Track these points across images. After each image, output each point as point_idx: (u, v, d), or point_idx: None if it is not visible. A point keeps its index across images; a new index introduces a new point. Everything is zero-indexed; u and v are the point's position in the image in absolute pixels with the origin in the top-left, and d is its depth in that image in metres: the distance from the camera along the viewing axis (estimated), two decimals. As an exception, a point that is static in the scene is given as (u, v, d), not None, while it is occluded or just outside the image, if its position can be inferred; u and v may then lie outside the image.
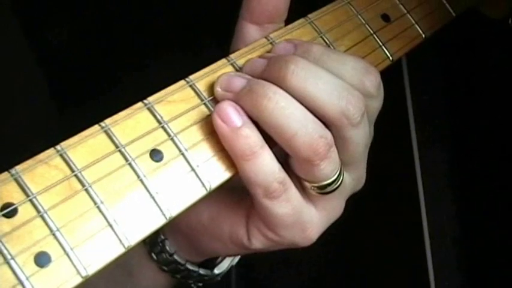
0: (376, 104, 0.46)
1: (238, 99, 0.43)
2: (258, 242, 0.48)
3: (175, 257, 0.54)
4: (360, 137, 0.45)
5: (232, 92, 0.43)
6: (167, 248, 0.53)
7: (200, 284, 0.56)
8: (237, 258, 0.56)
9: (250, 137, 0.42)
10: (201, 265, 0.55)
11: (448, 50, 0.78)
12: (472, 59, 0.77)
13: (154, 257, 0.54)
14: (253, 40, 0.48)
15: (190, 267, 0.54)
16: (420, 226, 0.77)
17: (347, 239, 0.85)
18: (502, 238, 0.75)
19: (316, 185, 0.45)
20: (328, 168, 0.44)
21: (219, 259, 0.56)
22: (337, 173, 0.45)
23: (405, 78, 0.79)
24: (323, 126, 0.43)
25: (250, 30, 0.49)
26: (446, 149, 0.79)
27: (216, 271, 0.55)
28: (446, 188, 0.79)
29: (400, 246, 0.82)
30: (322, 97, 0.43)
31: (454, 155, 0.79)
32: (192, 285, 0.55)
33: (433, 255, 0.77)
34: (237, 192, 0.47)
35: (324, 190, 0.45)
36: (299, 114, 0.42)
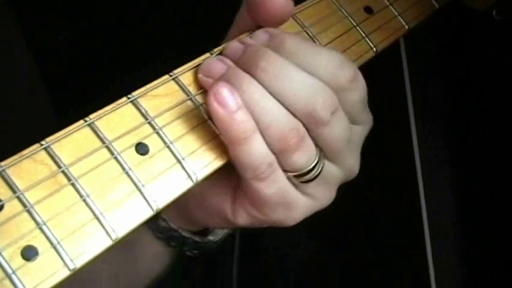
0: (354, 96, 0.46)
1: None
2: (242, 219, 0.49)
3: (170, 224, 0.54)
4: (335, 133, 0.46)
5: (212, 78, 0.44)
6: (161, 215, 0.54)
7: (195, 251, 0.56)
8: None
9: (244, 122, 0.42)
10: (195, 232, 0.55)
11: (447, 47, 0.78)
12: (472, 56, 0.77)
13: (150, 224, 0.54)
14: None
15: (184, 233, 0.54)
16: (421, 225, 0.77)
17: (346, 238, 0.85)
18: (502, 237, 0.75)
19: (293, 174, 0.46)
20: (302, 159, 0.45)
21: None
22: (315, 163, 0.46)
23: (405, 77, 0.80)
24: (295, 119, 0.44)
25: (249, 27, 0.49)
26: (446, 146, 0.80)
27: (211, 237, 0.56)
28: (446, 186, 0.79)
29: (401, 246, 0.82)
30: (289, 95, 0.44)
31: (454, 153, 0.79)
32: (187, 252, 0.56)
33: (433, 254, 0.77)
34: (224, 170, 0.47)
35: (303, 178, 0.46)
36: (271, 107, 0.44)
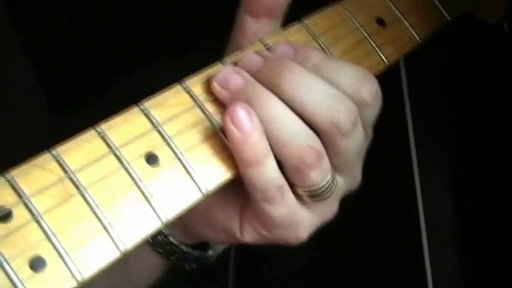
0: (373, 111, 0.47)
1: (233, 100, 0.43)
2: (249, 236, 0.48)
3: (170, 238, 0.54)
4: (352, 145, 0.45)
5: (229, 91, 0.44)
6: (163, 230, 0.54)
7: (194, 266, 0.56)
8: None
9: (258, 146, 0.42)
10: (195, 247, 0.55)
11: (447, 55, 0.78)
12: (472, 64, 0.77)
13: (149, 239, 0.54)
14: (251, 33, 0.49)
15: (185, 249, 0.54)
16: (418, 226, 0.77)
17: (344, 238, 0.85)
18: (501, 241, 0.75)
19: (306, 190, 0.45)
20: (317, 177, 0.44)
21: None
22: (328, 180, 0.45)
23: (404, 85, 0.79)
24: (314, 135, 0.44)
25: (248, 23, 0.49)
26: (444, 149, 0.79)
27: (211, 253, 0.56)
28: (444, 191, 0.79)
29: (398, 248, 0.82)
30: (313, 106, 0.43)
31: (452, 155, 0.79)
32: (186, 266, 0.56)
33: (431, 257, 0.77)
34: (234, 186, 0.47)
35: (316, 197, 0.46)
36: (290, 124, 0.43)
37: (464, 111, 0.79)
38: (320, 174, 0.44)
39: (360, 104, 0.45)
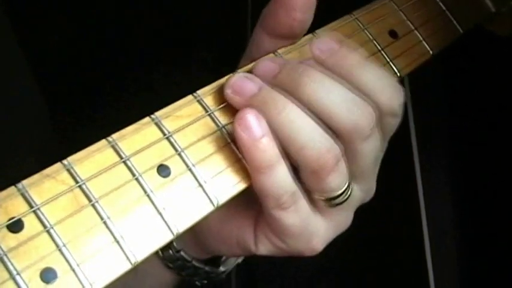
0: (396, 121, 0.46)
1: (248, 106, 0.43)
2: (264, 248, 0.48)
3: (182, 253, 0.54)
4: (370, 150, 0.45)
5: (243, 97, 0.43)
6: (174, 244, 0.54)
7: (205, 282, 0.56)
8: (242, 257, 0.57)
9: (268, 151, 0.42)
10: (206, 262, 0.55)
11: (450, 67, 0.78)
12: (474, 76, 0.77)
13: (160, 253, 0.54)
14: (266, 50, 0.48)
15: (196, 264, 0.54)
16: (420, 229, 0.77)
17: (347, 239, 0.85)
18: (500, 246, 0.75)
19: (323, 197, 0.45)
20: (335, 182, 0.44)
21: (224, 257, 0.56)
22: (345, 186, 0.45)
23: (408, 98, 0.79)
24: (332, 139, 0.43)
25: (264, 40, 0.48)
26: (446, 153, 0.79)
27: (222, 268, 0.56)
28: (446, 196, 0.79)
29: (400, 250, 0.82)
30: (332, 109, 0.43)
31: (453, 161, 0.79)
32: (197, 282, 0.56)
33: (433, 262, 0.77)
34: (246, 198, 0.47)
35: (332, 202, 0.45)
36: (308, 128, 0.42)
37: (465, 119, 0.79)
38: (338, 180, 0.44)
39: (388, 113, 0.45)
